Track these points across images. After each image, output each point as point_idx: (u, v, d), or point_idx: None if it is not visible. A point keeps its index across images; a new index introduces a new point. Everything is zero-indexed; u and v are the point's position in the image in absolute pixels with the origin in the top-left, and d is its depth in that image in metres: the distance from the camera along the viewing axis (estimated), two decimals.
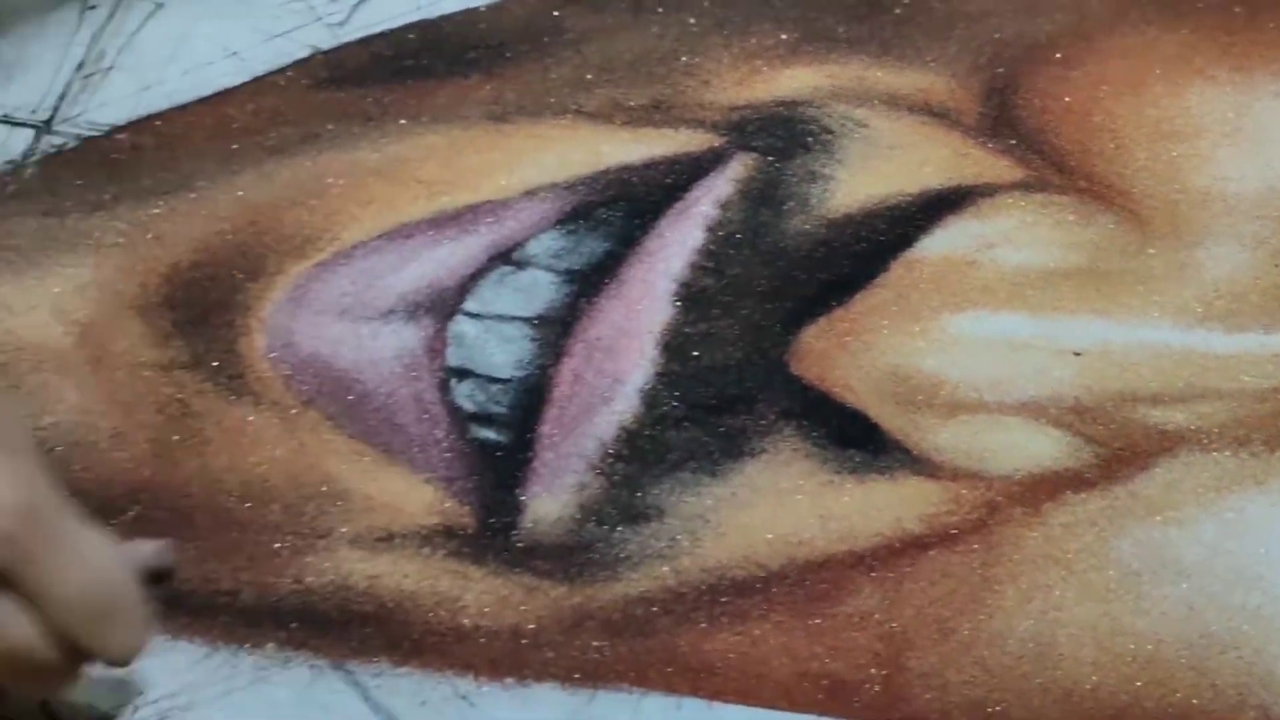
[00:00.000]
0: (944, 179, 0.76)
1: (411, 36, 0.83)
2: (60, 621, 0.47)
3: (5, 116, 0.79)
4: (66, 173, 0.76)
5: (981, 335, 0.70)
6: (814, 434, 0.67)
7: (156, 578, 0.54)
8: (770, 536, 0.63)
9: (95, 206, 0.75)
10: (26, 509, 0.47)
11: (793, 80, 0.81)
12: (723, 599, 0.62)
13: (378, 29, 0.83)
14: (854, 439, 0.67)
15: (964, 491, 0.65)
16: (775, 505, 0.64)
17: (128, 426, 0.66)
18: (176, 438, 0.66)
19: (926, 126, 0.78)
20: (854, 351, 0.69)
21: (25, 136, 0.78)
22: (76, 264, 0.72)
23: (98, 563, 0.50)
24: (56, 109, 0.79)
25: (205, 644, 0.60)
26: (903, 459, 0.66)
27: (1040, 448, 0.66)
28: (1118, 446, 0.66)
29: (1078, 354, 0.70)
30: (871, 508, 0.64)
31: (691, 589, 0.62)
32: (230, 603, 0.61)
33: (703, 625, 0.61)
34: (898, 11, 0.84)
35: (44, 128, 0.78)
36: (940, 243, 0.74)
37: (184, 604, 0.61)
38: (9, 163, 0.77)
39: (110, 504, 0.64)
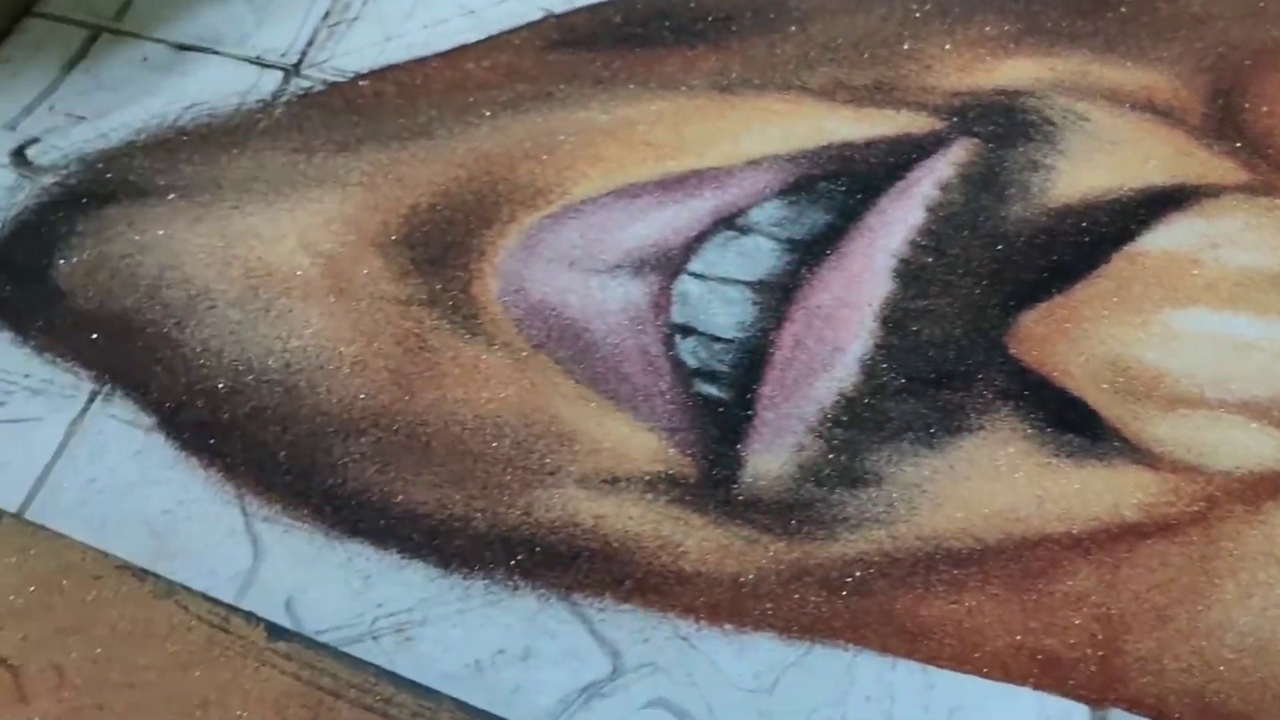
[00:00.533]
0: (1167, 176, 0.76)
1: (640, 5, 0.84)
2: None
3: (257, 58, 0.82)
4: (313, 114, 0.79)
5: (1204, 332, 0.70)
6: (1032, 415, 0.67)
7: None
8: (987, 511, 0.64)
9: (341, 147, 0.78)
10: None
11: (1015, 70, 0.81)
12: (939, 567, 0.62)
13: None
14: (1072, 424, 0.67)
15: (1183, 484, 0.65)
16: (992, 481, 0.65)
17: (368, 355, 0.69)
18: (414, 369, 0.68)
19: (1149, 124, 0.78)
20: (1074, 339, 0.69)
21: (275, 78, 0.81)
22: (322, 199, 0.75)
23: None
24: (304, 54, 0.83)
25: (439, 566, 0.63)
26: (1121, 448, 0.66)
27: (1262, 447, 0.66)
28: None
29: None
30: (1089, 492, 0.65)
31: (907, 555, 0.63)
32: (463, 528, 0.64)
33: (918, 591, 0.62)
34: (1123, 9, 0.84)
35: (293, 71, 0.82)
36: (1162, 238, 0.73)
37: (420, 525, 0.63)
38: (260, 101, 0.80)
39: (350, 426, 0.67)
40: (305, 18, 0.85)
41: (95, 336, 0.70)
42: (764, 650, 0.60)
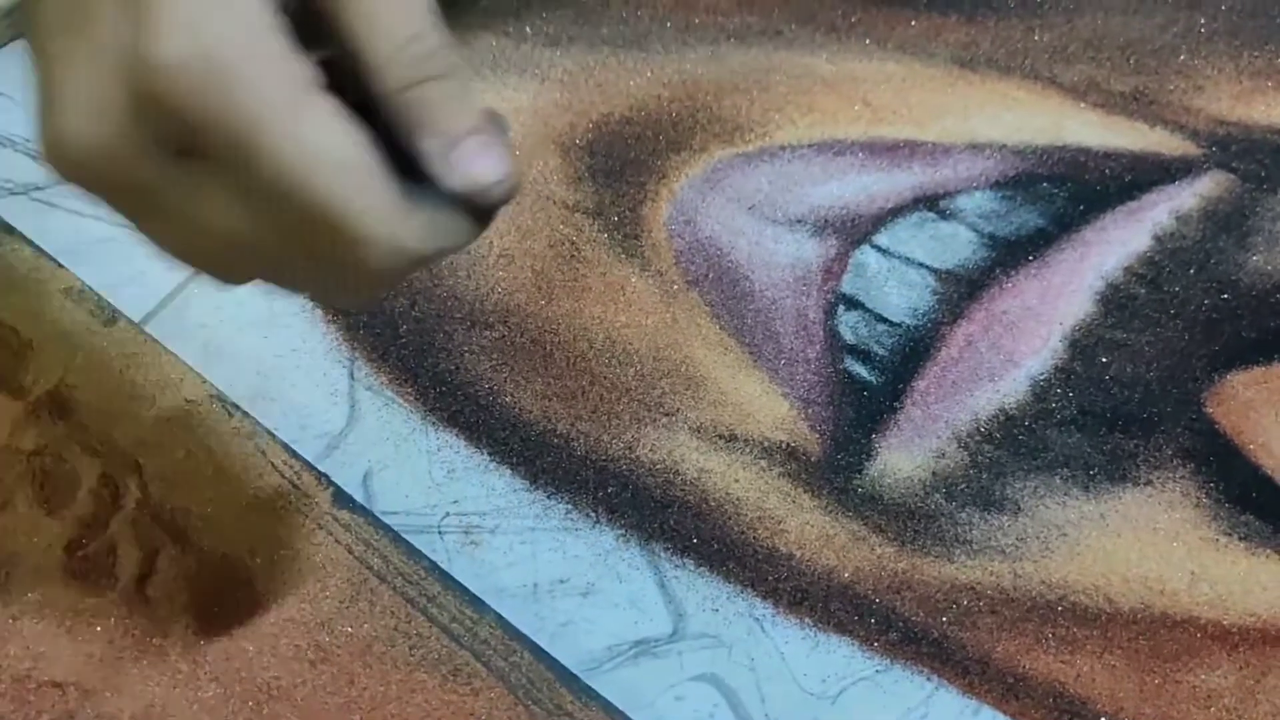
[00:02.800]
0: None
1: None
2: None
3: None
4: (535, 2, 0.77)
5: None
6: (1211, 484, 0.60)
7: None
8: (1129, 574, 0.57)
9: (552, 41, 0.76)
10: None
11: None
12: (1058, 620, 0.56)
13: None
14: (1255, 505, 0.59)
15: None
16: (1145, 544, 0.58)
17: (517, 251, 0.67)
18: (559, 276, 0.66)
19: None
20: None
21: None
22: (519, 88, 0.73)
23: None
24: None
25: (526, 478, 0.60)
26: None
27: None
28: None
29: None
30: (1254, 583, 0.57)
31: (1025, 597, 0.57)
32: (562, 446, 0.61)
33: (1027, 639, 0.56)
34: None
35: None
36: None
37: (519, 433, 0.61)
38: None
39: (479, 316, 0.65)
40: None
41: None
42: (839, 655, 0.55)
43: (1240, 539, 0.59)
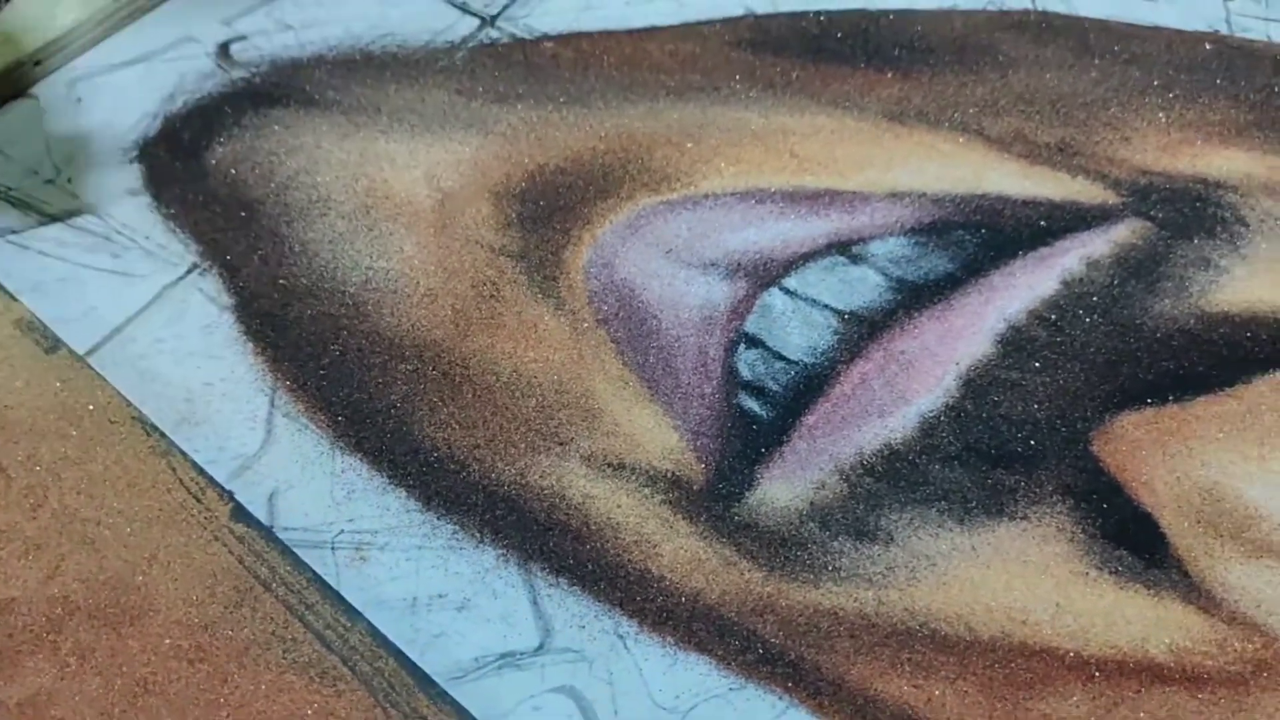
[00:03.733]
0: None
1: (843, 21, 0.83)
2: None
3: (464, 4, 0.87)
4: (489, 63, 0.83)
5: None
6: (1088, 520, 0.62)
7: None
8: (993, 604, 0.59)
9: (499, 98, 0.81)
10: None
11: (1225, 162, 0.74)
12: (916, 646, 0.58)
13: (815, 7, 0.84)
14: (1130, 541, 0.61)
15: (1235, 639, 0.58)
16: (1014, 576, 0.60)
17: (441, 290, 0.72)
18: (477, 314, 0.71)
19: None
20: (1171, 454, 0.63)
21: (471, 24, 0.86)
22: (463, 141, 0.79)
23: None
24: (506, 8, 0.87)
25: (420, 500, 0.64)
26: (1178, 581, 0.60)
27: None
28: None
29: None
30: (1119, 617, 0.59)
31: (887, 623, 0.59)
32: (456, 471, 0.65)
33: (882, 664, 0.58)
34: None
35: (489, 22, 0.86)
36: None
37: (418, 458, 0.65)
38: (448, 42, 0.85)
39: (396, 351, 0.70)
40: None
41: (217, 218, 0.76)
42: (695, 673, 0.58)
43: (1111, 573, 0.60)
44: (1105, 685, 0.57)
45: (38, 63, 0.84)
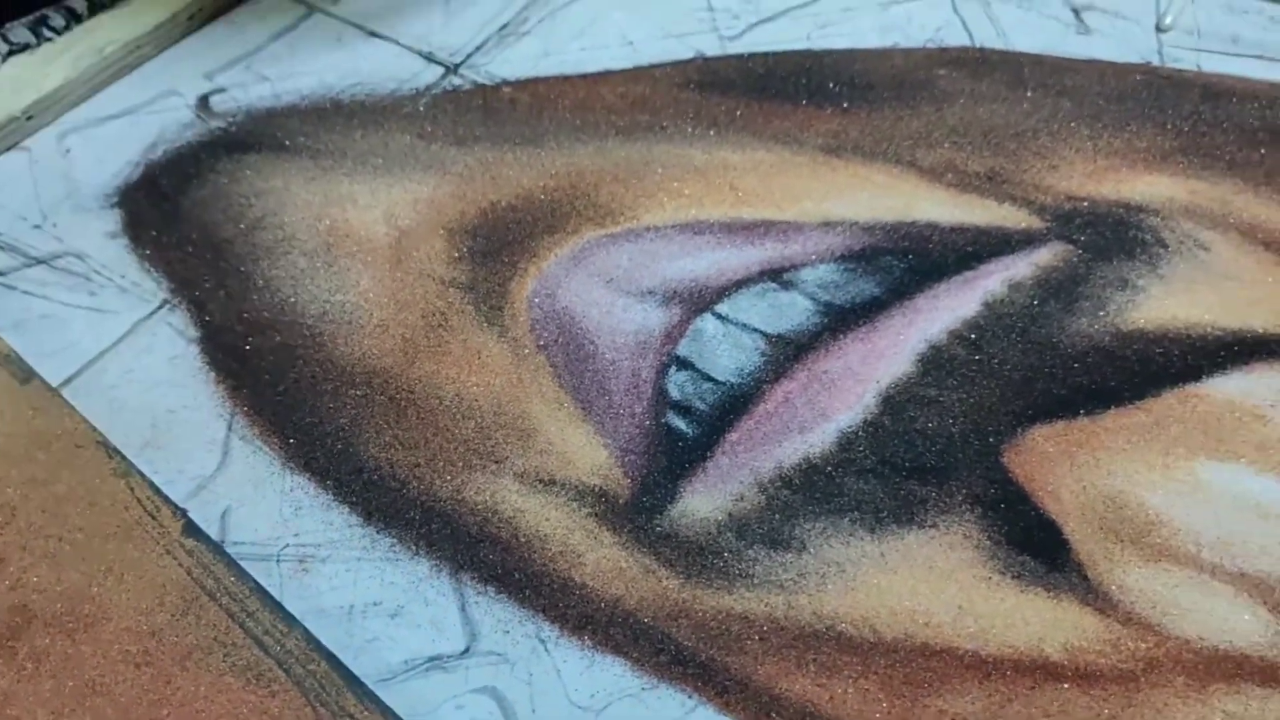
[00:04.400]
0: (1273, 324, 0.71)
1: (787, 61, 0.88)
2: None
3: (429, 54, 0.93)
4: (450, 108, 0.89)
5: (1233, 492, 0.65)
6: (994, 528, 0.65)
7: None
8: (896, 607, 0.62)
9: (458, 140, 0.86)
10: None
11: (1149, 187, 0.78)
12: (822, 648, 0.62)
13: (762, 49, 0.89)
14: (1035, 547, 0.64)
15: (1129, 639, 0.60)
16: (920, 580, 0.63)
17: (392, 321, 0.76)
18: (424, 343, 0.75)
19: (1277, 267, 0.73)
20: (1080, 464, 0.66)
21: (435, 73, 0.92)
22: (422, 182, 0.84)
23: None
24: (469, 57, 0.92)
25: (362, 515, 0.69)
26: (1077, 584, 0.62)
27: (1242, 625, 0.60)
28: None
29: None
30: (1018, 619, 0.62)
31: (795, 626, 0.62)
32: (397, 489, 0.70)
33: (789, 664, 0.61)
34: None
35: (452, 70, 0.92)
36: (1235, 386, 0.68)
37: (361, 476, 0.70)
38: (414, 89, 0.90)
39: (347, 378, 0.74)
40: (484, 27, 0.95)
41: (189, 257, 0.81)
42: (611, 673, 0.62)
43: (1014, 578, 0.63)
44: (1001, 683, 0.60)
45: (29, 118, 0.91)
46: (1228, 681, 0.59)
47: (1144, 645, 0.60)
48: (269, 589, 0.66)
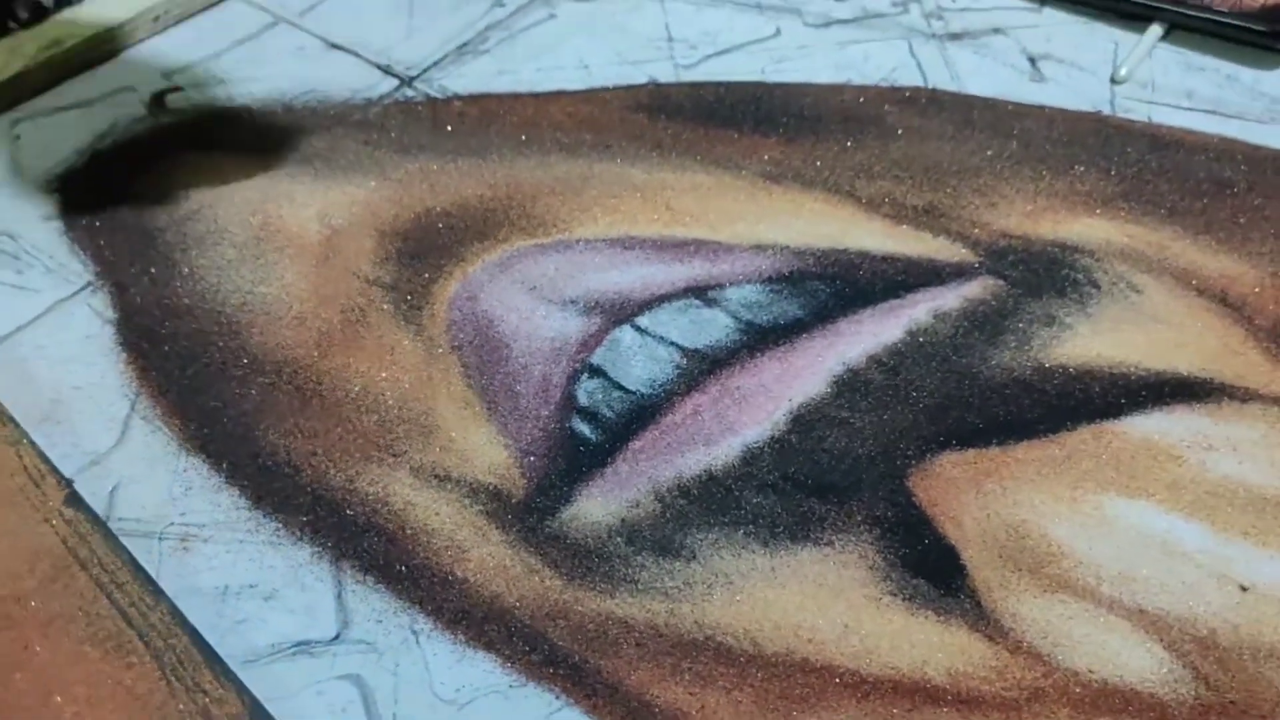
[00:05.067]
0: (1198, 368, 0.69)
1: (739, 91, 0.88)
2: None
3: (387, 66, 0.94)
4: (399, 118, 0.89)
5: (1139, 528, 0.63)
6: (890, 549, 0.63)
7: None
8: (781, 621, 0.60)
9: (403, 149, 0.86)
10: None
11: (1085, 229, 0.77)
12: (699, 657, 0.60)
13: (716, 79, 0.89)
14: (930, 570, 0.62)
15: (1016, 667, 0.58)
16: (808, 597, 0.61)
17: (310, 315, 0.76)
18: (340, 337, 0.75)
19: (1208, 313, 0.71)
20: (986, 492, 0.65)
21: (391, 84, 0.92)
22: (361, 185, 0.84)
23: None
24: (425, 71, 0.93)
25: (251, 498, 0.68)
26: (969, 609, 0.60)
27: (1135, 661, 0.58)
28: (1230, 699, 0.56)
29: (1244, 588, 0.60)
30: (904, 640, 0.60)
31: (674, 634, 0.61)
32: (289, 475, 0.68)
33: (663, 671, 0.59)
34: (1253, 200, 0.77)
35: (407, 82, 0.92)
36: (1152, 425, 0.67)
37: (256, 461, 0.69)
38: (366, 99, 0.91)
39: (257, 366, 0.73)
40: (444, 44, 0.95)
41: (118, 242, 0.81)
42: (480, 669, 0.60)
43: (904, 600, 0.61)
44: (878, 703, 0.58)
45: None
46: (1114, 716, 0.56)
47: (1031, 674, 0.58)
48: (146, 565, 0.64)
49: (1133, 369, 0.70)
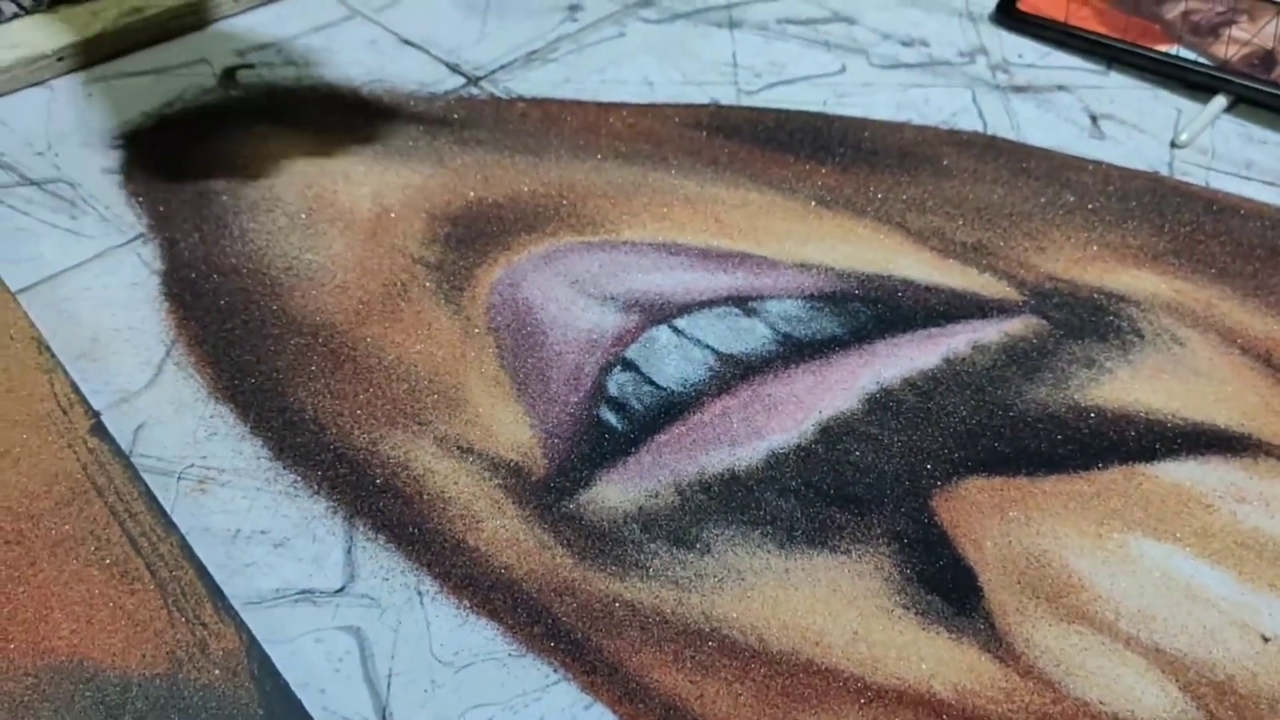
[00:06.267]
0: (1236, 422, 0.68)
1: (798, 119, 0.88)
2: None
3: (455, 65, 0.94)
4: (462, 113, 0.89)
5: (1163, 569, 0.61)
6: (908, 564, 0.62)
7: None
8: (790, 622, 0.59)
9: (462, 141, 0.87)
10: None
11: (1133, 280, 0.76)
12: (703, 646, 0.58)
13: (777, 106, 0.89)
14: (946, 588, 0.61)
15: (1025, 691, 0.57)
16: (820, 601, 0.60)
17: (353, 284, 0.76)
18: (380, 307, 0.74)
19: (1251, 371, 0.70)
20: (1010, 519, 0.63)
21: (457, 81, 0.93)
22: (417, 170, 0.84)
23: None
24: (493, 73, 0.93)
25: (273, 449, 0.67)
26: (982, 630, 0.59)
27: (1148, 697, 0.56)
28: None
29: (1266, 639, 0.58)
30: (913, 653, 0.58)
31: (681, 622, 0.59)
32: (315, 432, 0.68)
33: (665, 656, 0.58)
34: None
35: (474, 81, 0.93)
36: (1185, 473, 0.65)
37: (283, 415, 0.68)
38: (432, 93, 0.91)
39: (295, 327, 0.73)
40: (515, 49, 0.96)
41: (174, 199, 0.82)
42: (480, 636, 0.59)
43: (917, 614, 0.60)
44: (881, 711, 0.56)
45: (60, 59, 0.93)
46: None
47: (1040, 700, 0.56)
48: (162, 500, 0.64)
49: (1170, 417, 0.68)
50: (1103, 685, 0.57)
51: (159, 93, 0.92)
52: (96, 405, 0.68)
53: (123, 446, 0.66)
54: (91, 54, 0.94)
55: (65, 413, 0.67)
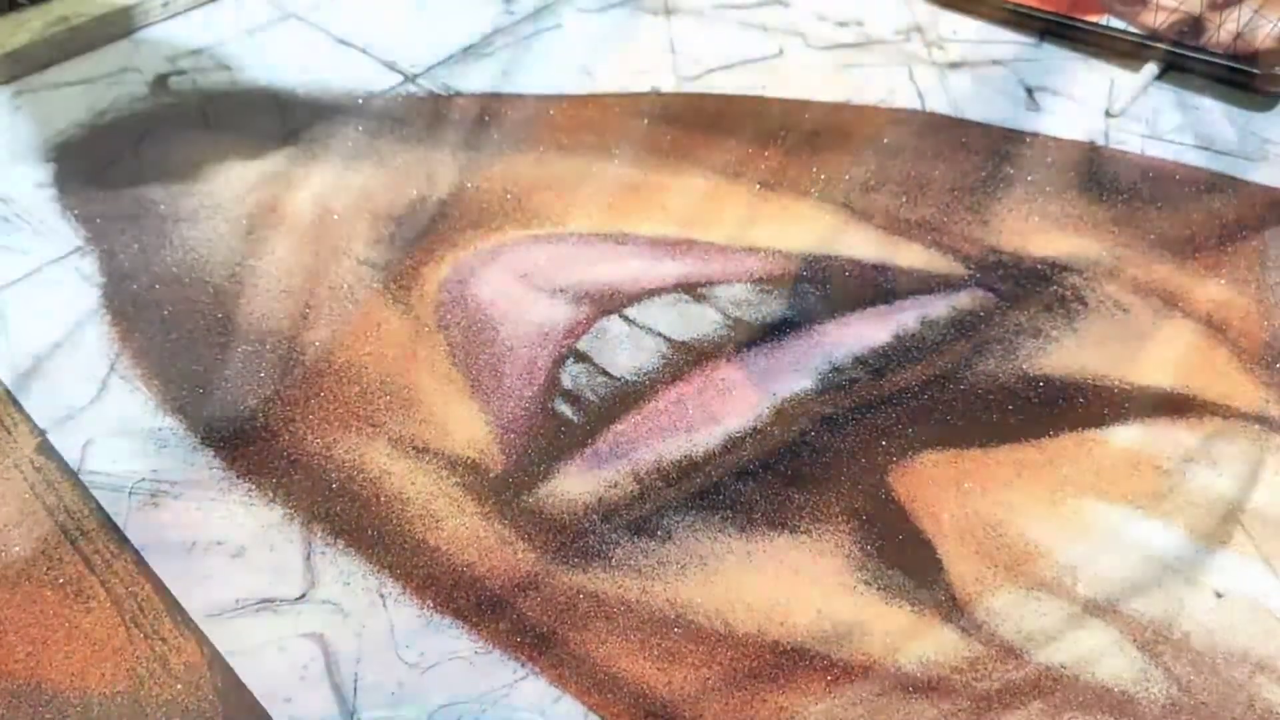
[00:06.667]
0: (1181, 385, 0.69)
1: (740, 105, 0.88)
2: None
3: (391, 63, 0.94)
4: (401, 111, 0.89)
5: (1118, 533, 0.62)
6: (868, 540, 0.62)
7: None
8: (754, 603, 0.59)
9: (402, 139, 0.86)
10: None
11: (1075, 247, 0.77)
12: (670, 633, 0.58)
13: (717, 91, 0.89)
14: (906, 563, 0.61)
15: (990, 660, 0.57)
16: (783, 581, 0.60)
17: (300, 290, 0.75)
18: (328, 312, 0.74)
19: (1193, 334, 0.71)
20: (965, 492, 0.64)
21: (394, 80, 0.92)
22: (358, 170, 0.84)
23: None
24: (430, 69, 0.92)
25: (225, 460, 0.66)
26: (944, 602, 0.59)
27: (1108, 659, 0.57)
28: (1202, 700, 0.55)
29: (1220, 594, 0.59)
30: (878, 628, 0.58)
31: (646, 611, 0.59)
32: (266, 439, 0.67)
33: (632, 645, 0.58)
34: (1241, 231, 0.77)
35: (410, 79, 0.92)
36: (1134, 436, 0.66)
37: (232, 423, 0.67)
38: (368, 92, 0.90)
39: (241, 335, 0.72)
40: (453, 45, 0.95)
41: (110, 211, 0.80)
42: (445, 635, 0.59)
43: (879, 589, 0.60)
44: (848, 687, 0.56)
45: None
46: (1084, 711, 0.55)
47: (1003, 667, 0.57)
48: (114, 517, 0.63)
49: (1117, 382, 0.69)
50: (1064, 650, 0.58)
51: (90, 103, 0.90)
52: (41, 423, 0.67)
53: (71, 464, 0.65)
54: (18, 66, 0.92)
55: (9, 432, 0.66)
